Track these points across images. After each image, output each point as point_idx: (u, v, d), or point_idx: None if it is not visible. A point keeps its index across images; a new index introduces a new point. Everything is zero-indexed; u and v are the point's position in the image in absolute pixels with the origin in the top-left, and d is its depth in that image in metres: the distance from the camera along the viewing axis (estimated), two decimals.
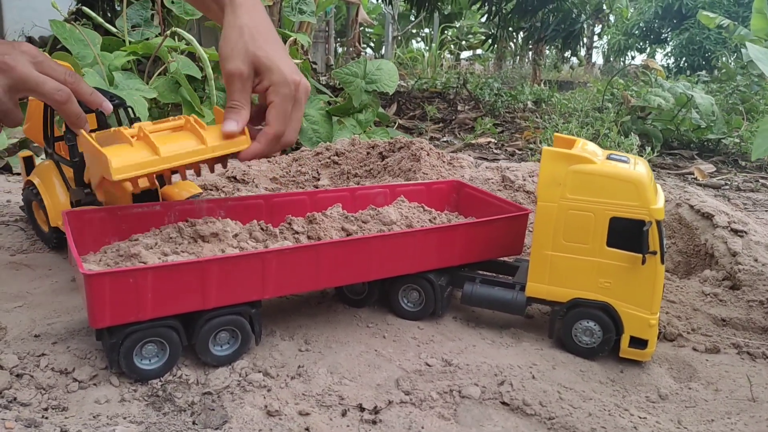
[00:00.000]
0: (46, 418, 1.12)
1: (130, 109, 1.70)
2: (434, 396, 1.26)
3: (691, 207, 1.85)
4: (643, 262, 1.31)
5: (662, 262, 1.33)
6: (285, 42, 3.46)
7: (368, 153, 2.35)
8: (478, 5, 7.70)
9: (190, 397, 1.21)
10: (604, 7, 10.17)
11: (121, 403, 1.17)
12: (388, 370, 1.34)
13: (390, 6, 11.36)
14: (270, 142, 1.29)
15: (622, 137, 4.34)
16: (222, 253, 1.36)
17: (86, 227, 1.40)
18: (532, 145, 4.61)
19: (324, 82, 6.10)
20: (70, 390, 1.19)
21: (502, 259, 1.64)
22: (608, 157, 1.40)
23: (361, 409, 1.22)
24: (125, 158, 1.18)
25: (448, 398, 1.26)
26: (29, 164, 1.94)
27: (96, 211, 1.42)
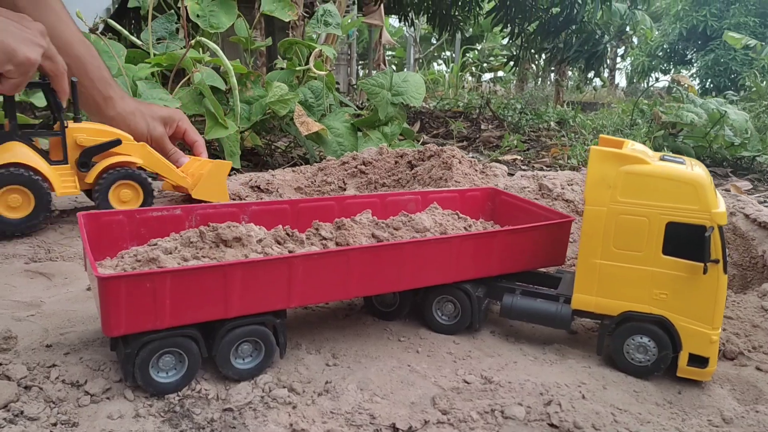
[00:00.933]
0: None
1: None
2: (474, 416, 1.15)
3: (747, 216, 1.73)
4: (705, 271, 1.19)
5: (725, 271, 1.21)
6: (310, 54, 3.41)
7: (396, 162, 2.26)
8: (501, 27, 7.65)
9: (209, 413, 1.11)
10: (628, 28, 10.09)
11: (136, 419, 1.08)
12: (423, 387, 1.24)
13: (412, 28, 11.39)
14: None
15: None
16: (244, 257, 1.27)
17: (103, 231, 1.33)
18: (560, 161, 4.50)
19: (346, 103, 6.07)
20: (82, 404, 1.10)
21: (542, 270, 1.53)
22: (661, 159, 1.30)
23: (395, 429, 1.11)
24: None
25: (489, 419, 1.15)
26: None
27: (113, 214, 1.35)
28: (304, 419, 1.11)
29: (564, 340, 1.45)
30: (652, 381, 1.30)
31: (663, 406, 1.22)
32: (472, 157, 4.44)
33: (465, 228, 1.56)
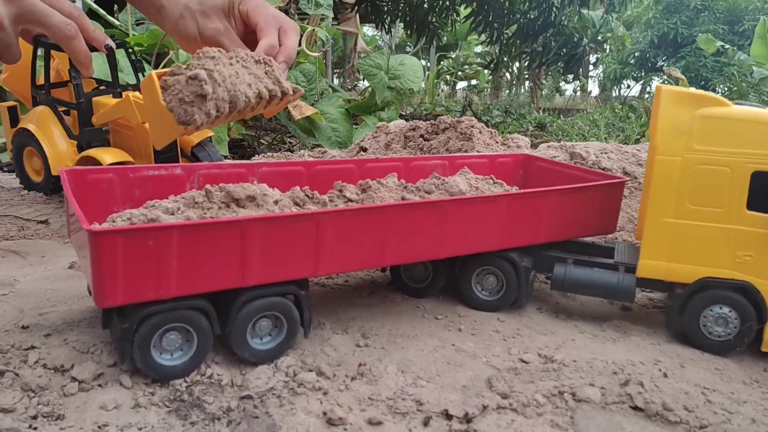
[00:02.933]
0: (35, 429, 0.83)
1: (131, 50, 1.60)
2: (540, 399, 0.96)
3: None
4: None
5: None
6: (302, 33, 3.21)
7: (407, 137, 2.08)
8: (479, 30, 7.55)
9: (224, 401, 0.92)
10: (600, 37, 10.09)
11: (135, 410, 0.88)
12: (474, 368, 1.05)
13: (388, 36, 11.23)
14: None
15: None
16: None
17: (90, 191, 1.12)
18: None
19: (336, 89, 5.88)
20: (68, 392, 0.90)
21: (588, 239, 1.36)
22: (735, 105, 1.13)
23: (448, 416, 0.93)
24: None
25: (558, 402, 0.97)
26: (14, 115, 1.90)
27: (101, 171, 1.14)
28: (339, 406, 0.93)
29: (622, 316, 1.28)
30: (732, 357, 1.13)
31: (750, 385, 1.05)
32: None
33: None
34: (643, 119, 5.06)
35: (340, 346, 1.10)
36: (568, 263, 1.23)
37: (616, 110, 6.97)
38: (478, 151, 1.76)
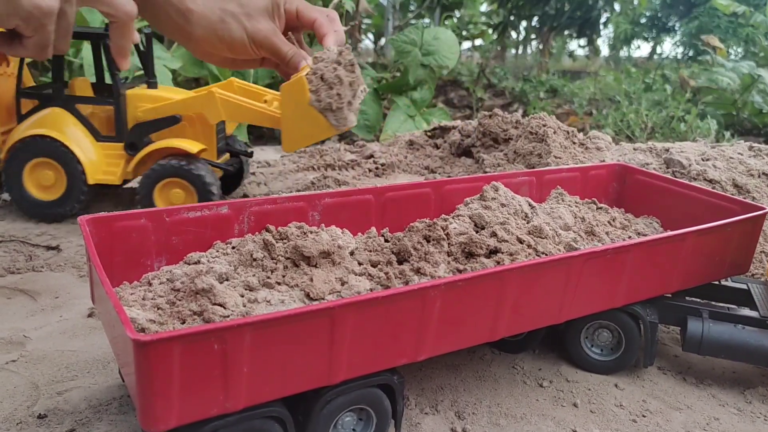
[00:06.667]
0: None
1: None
2: None
3: None
4: None
5: None
6: (327, 5, 2.92)
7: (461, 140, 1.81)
8: None
9: None
10: None
11: None
12: None
13: None
14: None
15: (699, 120, 3.83)
16: (341, 283, 0.85)
17: (118, 241, 0.89)
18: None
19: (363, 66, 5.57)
20: None
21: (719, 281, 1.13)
22: None
23: None
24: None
25: None
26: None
27: (131, 217, 0.90)
28: None
29: (764, 380, 1.06)
30: None
31: None
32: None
33: (609, 222, 1.15)
34: (686, 94, 4.76)
35: None
36: (703, 317, 1.01)
37: (632, 74, 6.67)
38: (556, 156, 1.51)
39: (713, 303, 1.08)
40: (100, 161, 1.54)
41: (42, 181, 1.52)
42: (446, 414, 0.93)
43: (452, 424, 0.91)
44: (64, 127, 1.52)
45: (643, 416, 0.94)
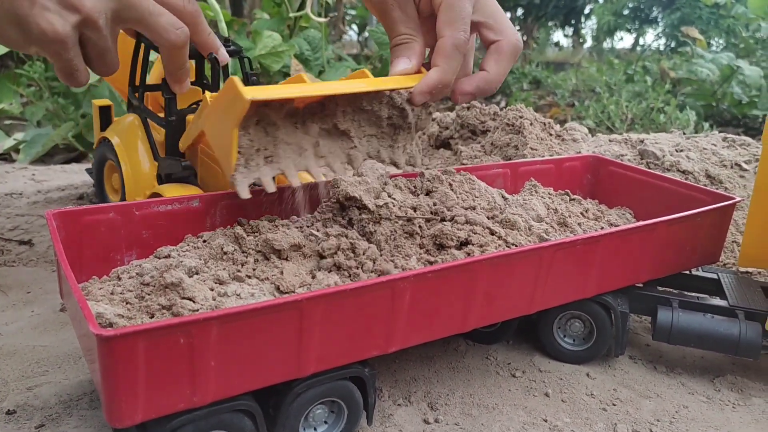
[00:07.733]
0: None
1: (246, 60, 1.19)
2: None
3: None
4: None
5: None
6: None
7: (439, 133, 1.82)
8: None
9: None
10: None
11: None
12: None
13: None
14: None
15: (678, 112, 3.86)
16: (311, 275, 0.85)
17: (86, 236, 0.88)
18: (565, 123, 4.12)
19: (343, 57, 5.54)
20: None
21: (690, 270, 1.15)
22: None
23: None
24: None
25: None
26: (106, 117, 1.44)
27: (100, 211, 0.89)
28: None
29: (734, 368, 1.08)
30: None
31: None
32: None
33: (582, 213, 1.16)
34: (666, 86, 4.79)
35: (406, 425, 0.89)
36: (673, 306, 1.02)
37: (615, 65, 6.70)
38: (532, 148, 1.52)
39: (684, 293, 1.09)
40: (145, 183, 1.27)
41: (113, 184, 1.38)
42: (419, 405, 0.93)
43: (425, 415, 0.91)
44: (131, 138, 1.30)
45: (614, 405, 0.96)
